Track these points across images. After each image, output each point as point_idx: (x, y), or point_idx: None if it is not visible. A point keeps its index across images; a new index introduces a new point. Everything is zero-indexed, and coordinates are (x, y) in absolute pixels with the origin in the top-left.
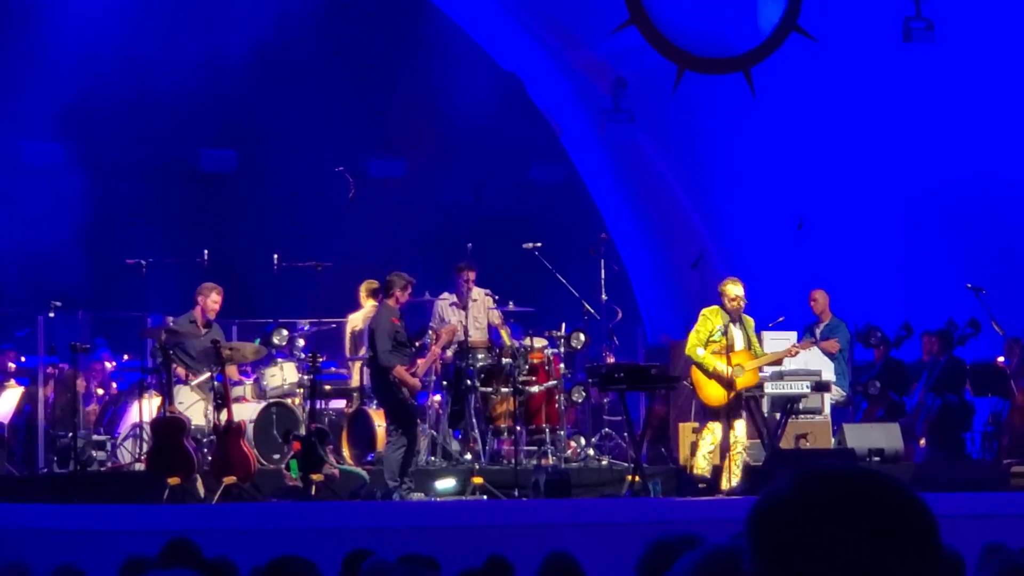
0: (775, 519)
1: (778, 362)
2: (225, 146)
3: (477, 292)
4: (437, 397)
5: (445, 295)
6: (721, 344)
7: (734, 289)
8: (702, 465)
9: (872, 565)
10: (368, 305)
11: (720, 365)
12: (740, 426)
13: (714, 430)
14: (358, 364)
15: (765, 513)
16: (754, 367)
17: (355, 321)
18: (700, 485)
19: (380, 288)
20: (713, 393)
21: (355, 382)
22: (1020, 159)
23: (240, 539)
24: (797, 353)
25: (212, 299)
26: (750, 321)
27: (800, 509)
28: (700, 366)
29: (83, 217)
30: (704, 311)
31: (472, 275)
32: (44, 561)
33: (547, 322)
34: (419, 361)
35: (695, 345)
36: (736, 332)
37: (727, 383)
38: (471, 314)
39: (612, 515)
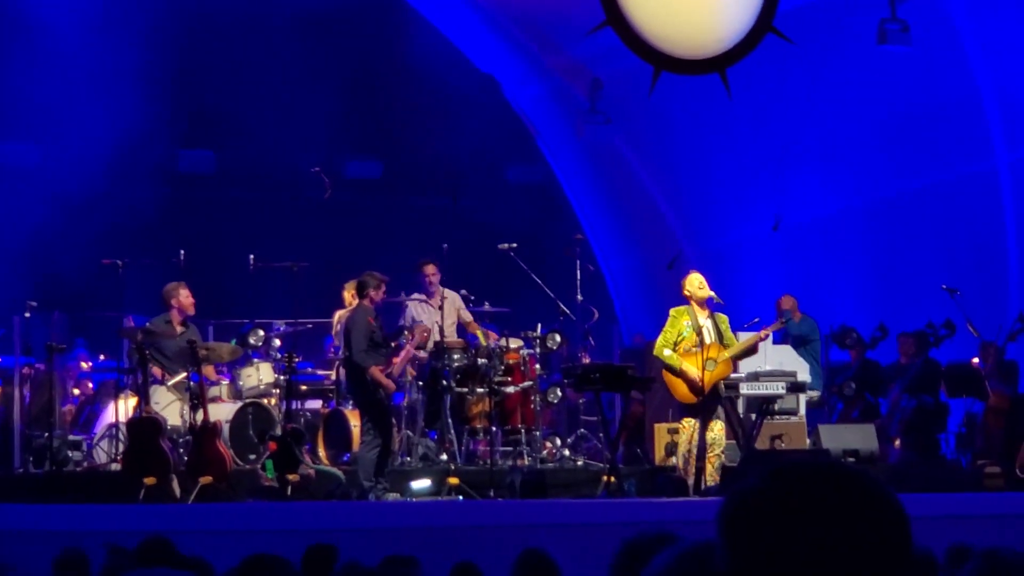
0: (746, 514)
1: (752, 349)
2: (202, 147)
3: (449, 293)
4: (405, 400)
5: (416, 295)
6: (691, 341)
7: (693, 280)
8: (681, 465)
9: (843, 559)
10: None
11: (687, 365)
12: (719, 426)
13: (687, 427)
14: None
15: (736, 508)
16: (725, 358)
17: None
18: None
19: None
20: (686, 391)
21: None
22: (995, 161)
23: (216, 539)
24: (768, 336)
25: (184, 295)
26: (723, 318)
27: (771, 504)
28: (668, 367)
29: (59, 217)
30: (672, 311)
31: (433, 269)
32: (19, 562)
33: (523, 323)
34: (394, 360)
35: (663, 346)
36: (708, 327)
37: (695, 387)
38: (442, 313)
39: (587, 515)
